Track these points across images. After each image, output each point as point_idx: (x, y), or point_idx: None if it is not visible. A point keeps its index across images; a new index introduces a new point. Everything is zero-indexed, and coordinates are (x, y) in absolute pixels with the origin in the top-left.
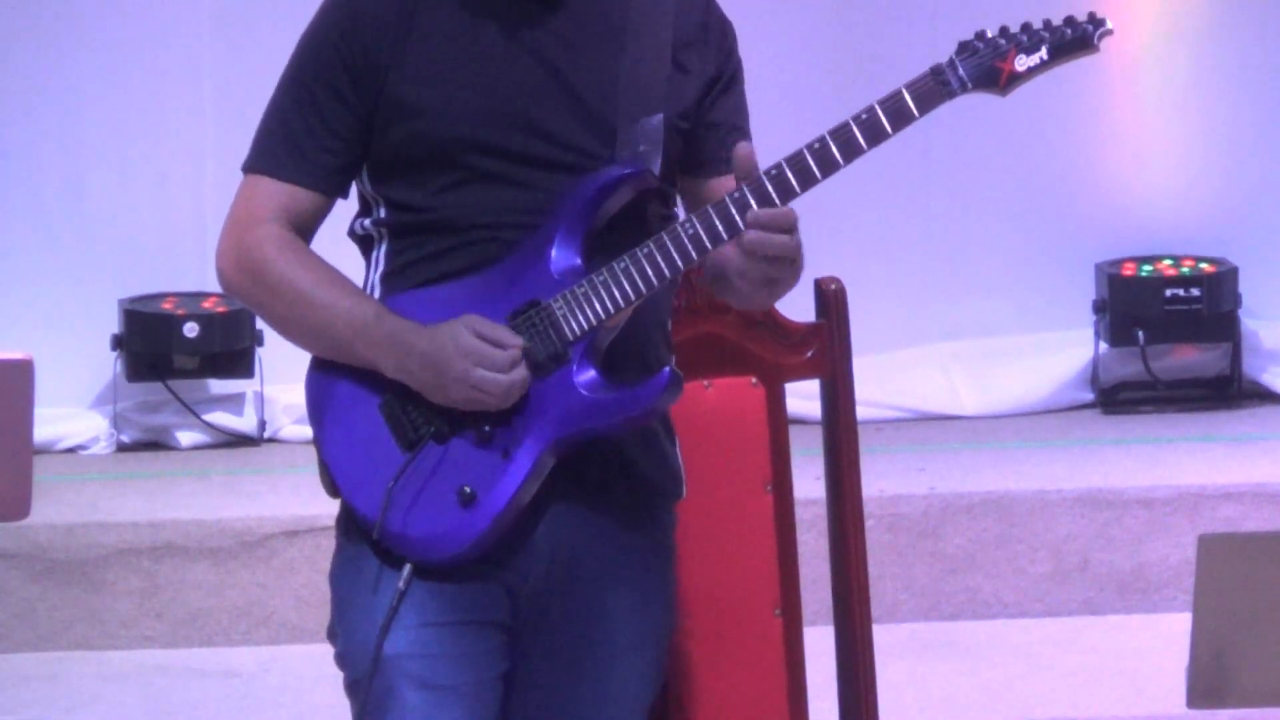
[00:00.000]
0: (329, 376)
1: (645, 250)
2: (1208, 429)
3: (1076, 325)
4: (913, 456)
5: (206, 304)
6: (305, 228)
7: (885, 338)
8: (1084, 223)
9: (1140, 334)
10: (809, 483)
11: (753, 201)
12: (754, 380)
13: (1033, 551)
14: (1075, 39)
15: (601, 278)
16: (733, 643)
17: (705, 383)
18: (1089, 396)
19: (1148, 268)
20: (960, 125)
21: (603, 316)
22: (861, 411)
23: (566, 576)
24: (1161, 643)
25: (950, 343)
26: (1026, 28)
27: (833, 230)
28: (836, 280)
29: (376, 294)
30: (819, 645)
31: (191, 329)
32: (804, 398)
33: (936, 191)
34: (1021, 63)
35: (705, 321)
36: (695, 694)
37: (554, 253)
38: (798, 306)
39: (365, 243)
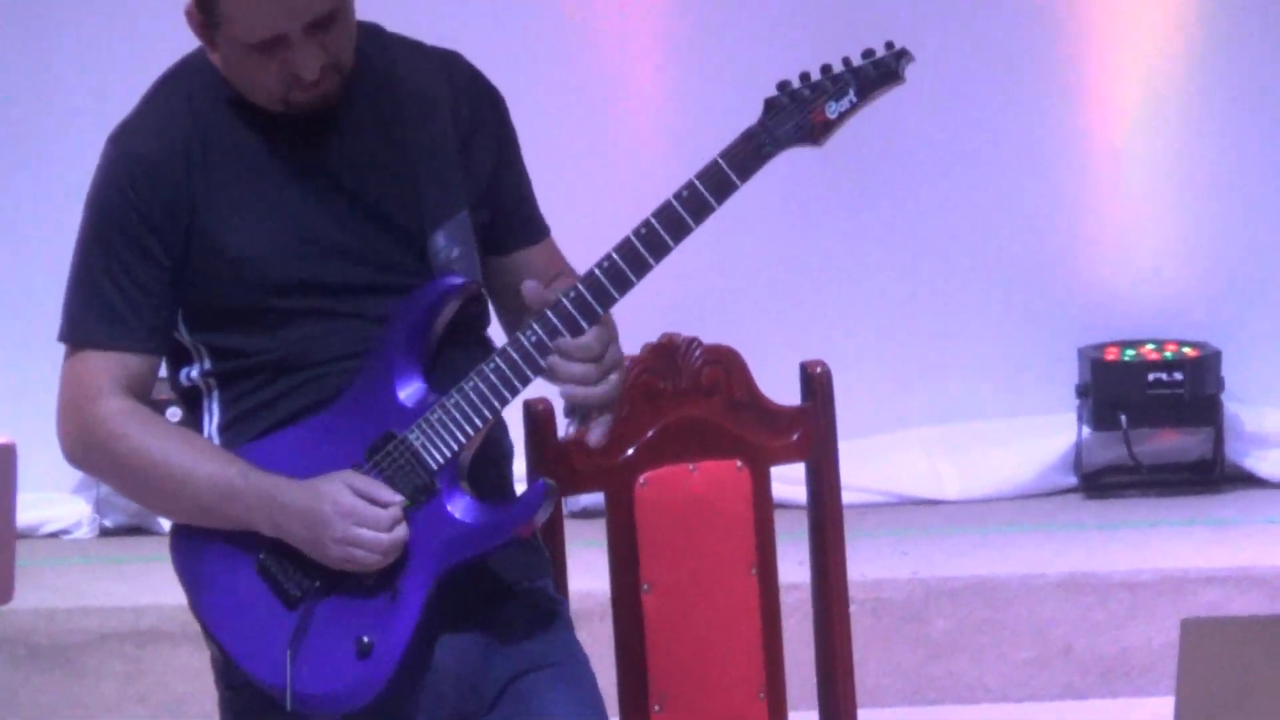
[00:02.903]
0: (195, 544)
1: (493, 366)
2: (1191, 513)
3: (1059, 409)
4: (896, 540)
5: None
6: (141, 391)
7: (869, 421)
8: (1067, 306)
9: (1123, 418)
10: (793, 566)
11: (587, 294)
12: (739, 464)
13: (1016, 636)
14: (880, 74)
15: (454, 400)
16: None
17: (690, 466)
18: (1072, 480)
19: (1130, 352)
20: (943, 209)
21: (463, 441)
22: (846, 495)
23: (481, 692)
24: None
25: (933, 427)
26: (828, 72)
27: (817, 314)
28: (822, 363)
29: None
30: None
31: (174, 414)
32: (788, 481)
33: (920, 275)
34: (832, 109)
35: (690, 405)
36: None
37: (397, 380)
38: (783, 389)
39: (192, 394)
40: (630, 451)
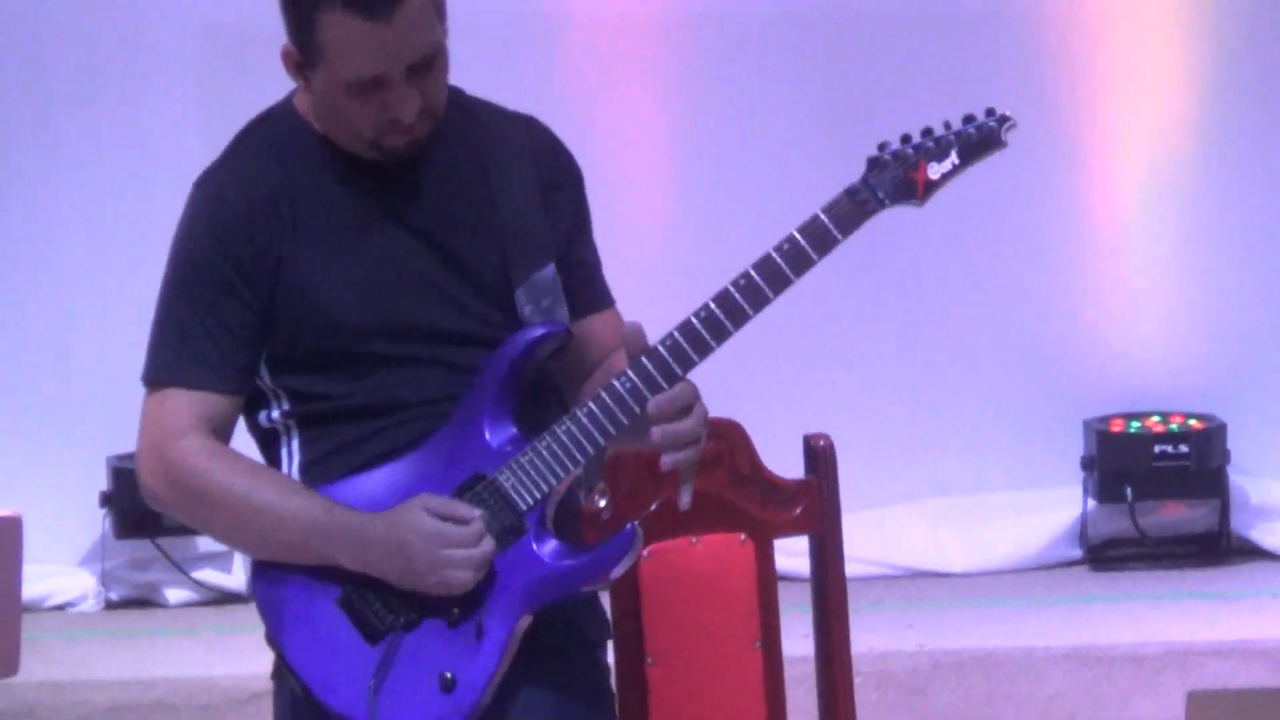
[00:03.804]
0: (277, 580)
1: (586, 410)
2: (1196, 585)
3: (1065, 482)
4: (901, 613)
5: None
6: (223, 431)
7: (873, 494)
8: (1072, 379)
9: (1128, 490)
10: (798, 640)
11: (683, 342)
12: (742, 537)
13: (1021, 709)
14: (983, 139)
15: (545, 443)
16: None
17: (693, 539)
18: (1077, 553)
19: (1136, 424)
20: (947, 281)
21: (554, 484)
22: (850, 568)
23: None
24: None
25: (938, 499)
26: (930, 134)
27: (820, 386)
28: (825, 436)
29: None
30: None
31: None
32: (792, 554)
33: (924, 348)
34: (934, 170)
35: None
36: None
37: (488, 423)
38: (787, 462)
39: (270, 435)
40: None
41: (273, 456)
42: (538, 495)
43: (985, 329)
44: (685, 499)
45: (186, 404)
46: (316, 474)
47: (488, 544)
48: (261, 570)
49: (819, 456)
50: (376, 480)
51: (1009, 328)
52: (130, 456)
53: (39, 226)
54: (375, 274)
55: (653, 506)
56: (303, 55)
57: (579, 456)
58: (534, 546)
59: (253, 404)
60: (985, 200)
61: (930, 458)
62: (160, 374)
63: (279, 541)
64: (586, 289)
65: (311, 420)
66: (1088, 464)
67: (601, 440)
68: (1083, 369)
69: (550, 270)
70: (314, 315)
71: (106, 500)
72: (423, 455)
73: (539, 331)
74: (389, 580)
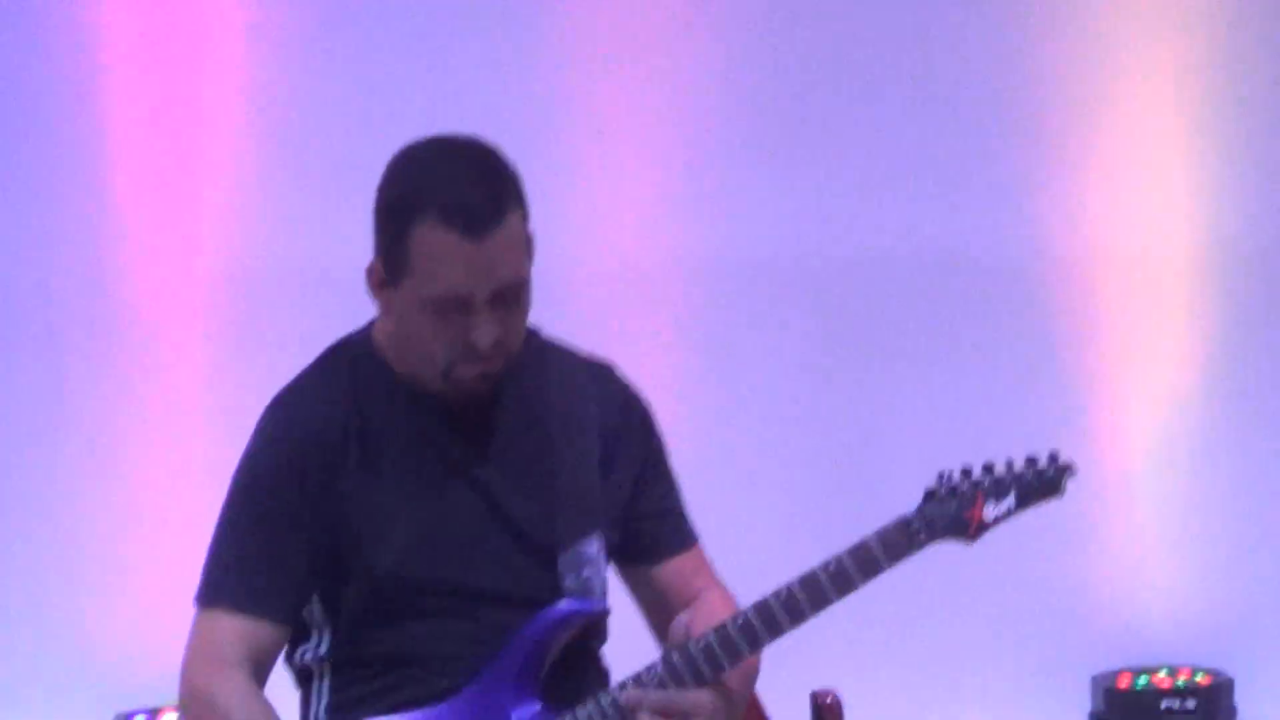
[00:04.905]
0: None
1: (609, 699)
2: None
3: None
4: None
5: None
6: (265, 662)
7: None
8: (1079, 634)
9: None
10: None
11: (716, 647)
12: None
13: None
14: (1043, 485)
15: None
16: None
17: None
18: None
19: (1143, 679)
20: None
21: None
22: None
23: None
24: None
25: None
26: (991, 471)
27: (826, 641)
28: (832, 693)
29: None
30: None
31: None
32: None
33: (929, 602)
34: (990, 511)
35: None
36: None
37: (510, 695)
38: (794, 718)
39: (305, 674)
40: None
41: (305, 693)
42: None
43: (991, 583)
44: None
45: (235, 628)
46: (340, 717)
47: None
48: None
49: (826, 713)
50: None
51: (1014, 582)
52: (139, 713)
53: (51, 483)
54: (428, 531)
55: None
56: (388, 271)
57: None
58: None
59: (295, 639)
60: (990, 448)
61: (937, 713)
62: (214, 595)
63: None
64: (664, 533)
65: (341, 664)
66: None
67: None
68: (1089, 623)
69: (595, 537)
70: (358, 558)
71: None
72: (445, 712)
73: (565, 611)
74: None
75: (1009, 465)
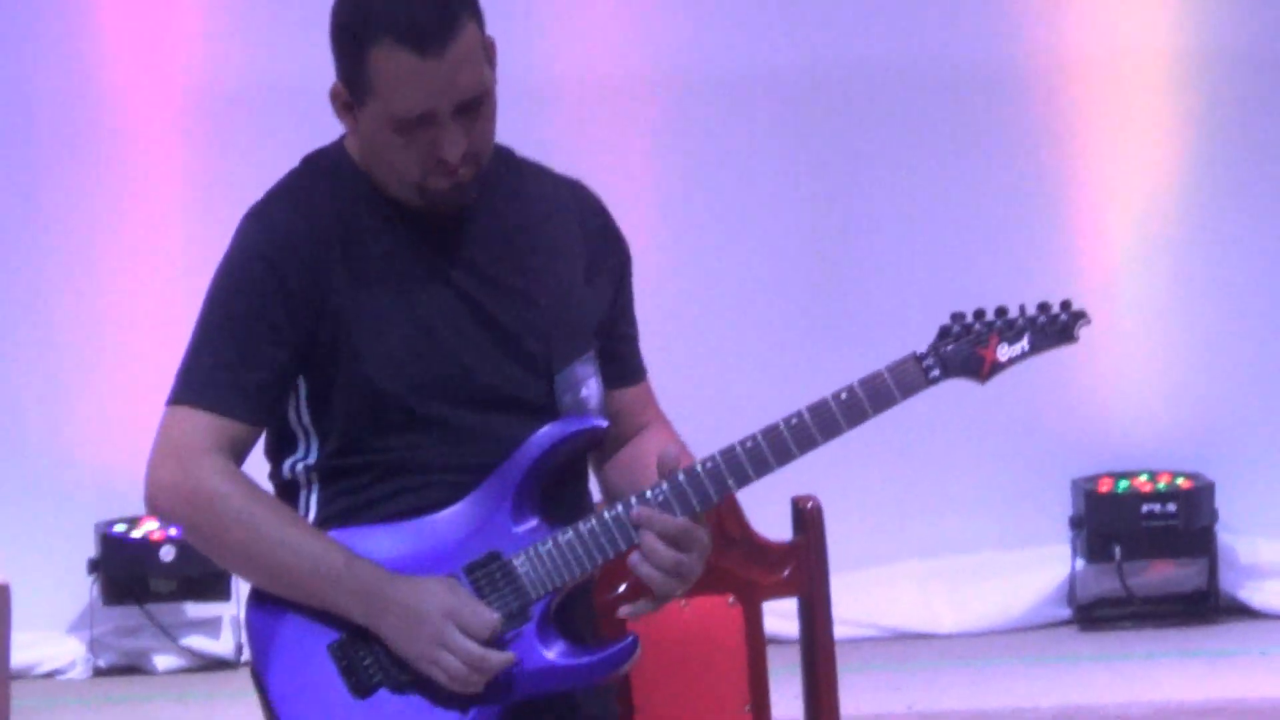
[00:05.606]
0: (274, 612)
1: (613, 513)
2: (1185, 644)
3: (1053, 541)
4: (890, 675)
5: None
6: (239, 459)
7: (861, 555)
8: (1060, 439)
9: (1117, 550)
10: (787, 701)
11: (723, 468)
12: (731, 599)
13: None
14: (1056, 331)
15: (568, 537)
16: None
17: (682, 602)
18: (1066, 613)
19: (1124, 484)
20: None
21: (568, 580)
22: (839, 630)
23: None
24: None
25: (926, 560)
26: (1004, 315)
27: None
28: (813, 498)
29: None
30: None
31: (168, 553)
32: (781, 616)
33: (911, 408)
34: (1004, 352)
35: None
36: None
37: (511, 506)
38: (775, 524)
39: (290, 488)
40: (622, 588)
41: (294, 503)
42: (550, 588)
43: (971, 389)
44: (625, 611)
45: (209, 426)
46: (331, 528)
47: (495, 657)
48: (259, 600)
49: (807, 518)
50: (389, 535)
51: (995, 388)
52: (117, 523)
53: (29, 294)
54: (416, 332)
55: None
56: (351, 94)
57: (598, 558)
58: (536, 638)
59: (280, 450)
60: (974, 262)
61: (918, 518)
62: (187, 393)
63: (287, 579)
64: (621, 362)
65: (332, 474)
66: (1076, 524)
67: (624, 546)
68: (1071, 428)
69: (590, 357)
70: (351, 365)
71: (94, 567)
72: (440, 523)
73: (573, 428)
74: (388, 643)
75: (1022, 310)
